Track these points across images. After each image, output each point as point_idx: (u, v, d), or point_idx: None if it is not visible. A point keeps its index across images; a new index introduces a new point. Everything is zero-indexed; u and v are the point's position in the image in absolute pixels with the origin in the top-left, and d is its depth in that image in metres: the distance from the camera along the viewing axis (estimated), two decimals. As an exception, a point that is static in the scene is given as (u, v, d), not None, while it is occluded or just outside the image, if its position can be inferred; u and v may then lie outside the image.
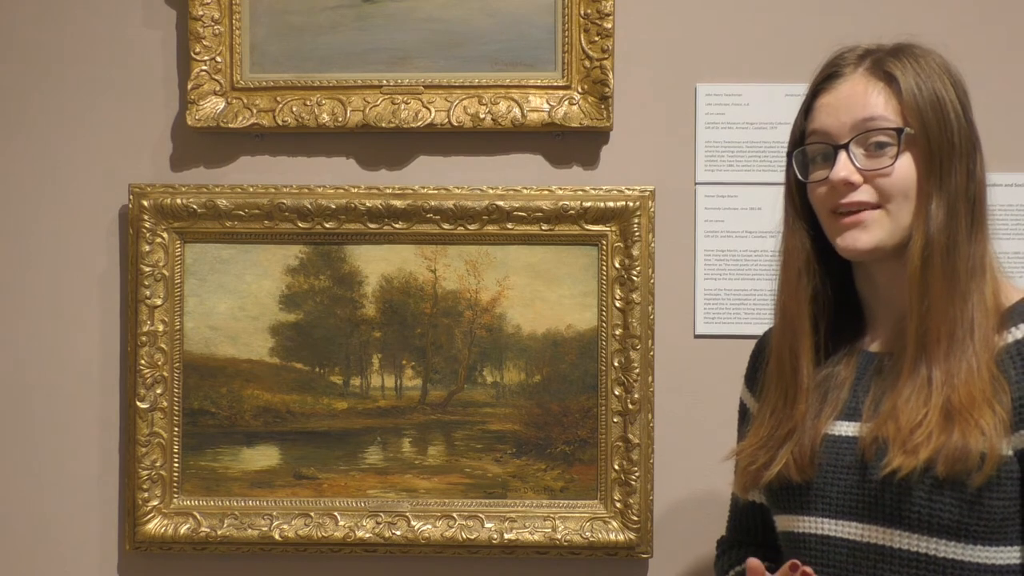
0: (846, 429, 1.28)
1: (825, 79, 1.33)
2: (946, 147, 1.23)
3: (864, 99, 1.27)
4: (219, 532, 2.00)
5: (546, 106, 1.98)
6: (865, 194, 1.26)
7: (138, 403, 2.00)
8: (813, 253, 1.33)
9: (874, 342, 1.33)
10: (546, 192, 1.99)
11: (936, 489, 1.18)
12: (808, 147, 1.32)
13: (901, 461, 1.18)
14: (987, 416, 1.17)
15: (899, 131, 1.24)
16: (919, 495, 1.19)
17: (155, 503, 2.01)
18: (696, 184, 2.02)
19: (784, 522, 1.34)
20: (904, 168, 1.25)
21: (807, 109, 1.35)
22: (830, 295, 1.33)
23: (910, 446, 1.18)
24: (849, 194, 1.27)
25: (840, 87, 1.30)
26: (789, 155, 1.35)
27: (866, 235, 1.26)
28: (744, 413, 1.53)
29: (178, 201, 2.00)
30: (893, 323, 1.30)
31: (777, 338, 1.36)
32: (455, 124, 1.98)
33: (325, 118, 1.99)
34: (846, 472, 1.26)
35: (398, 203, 1.99)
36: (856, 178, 1.26)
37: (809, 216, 1.33)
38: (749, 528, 1.53)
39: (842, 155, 1.27)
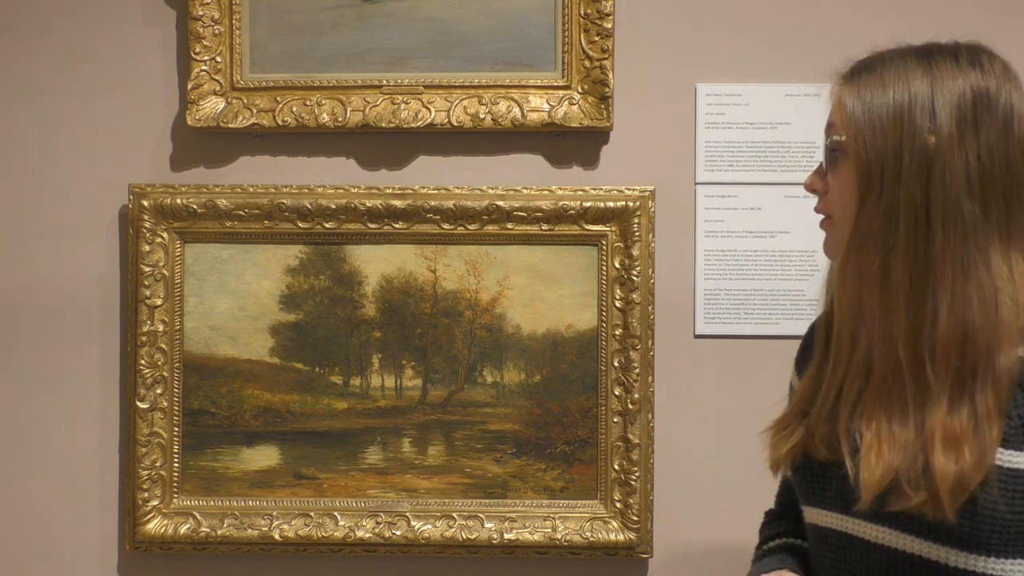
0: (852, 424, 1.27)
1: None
2: (889, 158, 1.20)
3: (832, 106, 1.28)
4: (219, 532, 2.00)
5: (546, 106, 1.98)
6: (820, 203, 1.30)
7: (138, 403, 2.00)
8: None
9: None
10: (546, 192, 1.99)
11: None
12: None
13: (864, 503, 1.18)
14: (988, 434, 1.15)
15: (832, 142, 1.25)
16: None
17: (155, 503, 2.01)
18: (696, 184, 2.02)
19: (808, 514, 1.35)
20: (841, 180, 1.25)
21: None
22: None
23: (910, 488, 1.16)
24: (817, 199, 1.30)
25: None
26: None
27: (827, 243, 1.30)
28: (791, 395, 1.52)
29: (178, 201, 2.00)
30: None
31: (839, 323, 1.34)
32: (455, 124, 1.98)
33: (325, 118, 1.99)
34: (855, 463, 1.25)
35: (398, 203, 1.99)
36: (817, 186, 1.29)
37: None
38: (787, 504, 1.53)
39: (819, 162, 1.30)
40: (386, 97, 2.00)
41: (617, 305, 1.98)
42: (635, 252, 1.97)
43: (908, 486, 1.15)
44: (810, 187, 1.30)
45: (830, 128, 1.26)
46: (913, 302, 1.18)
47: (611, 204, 1.97)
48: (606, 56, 1.96)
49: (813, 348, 1.35)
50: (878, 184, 1.20)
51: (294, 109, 2.00)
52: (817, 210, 1.30)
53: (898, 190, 1.19)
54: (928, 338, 1.17)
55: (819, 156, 1.32)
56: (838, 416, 1.27)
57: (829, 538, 1.30)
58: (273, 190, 2.00)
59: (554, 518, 1.99)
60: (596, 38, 1.96)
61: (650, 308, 1.97)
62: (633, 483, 1.97)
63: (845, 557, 1.27)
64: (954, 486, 1.14)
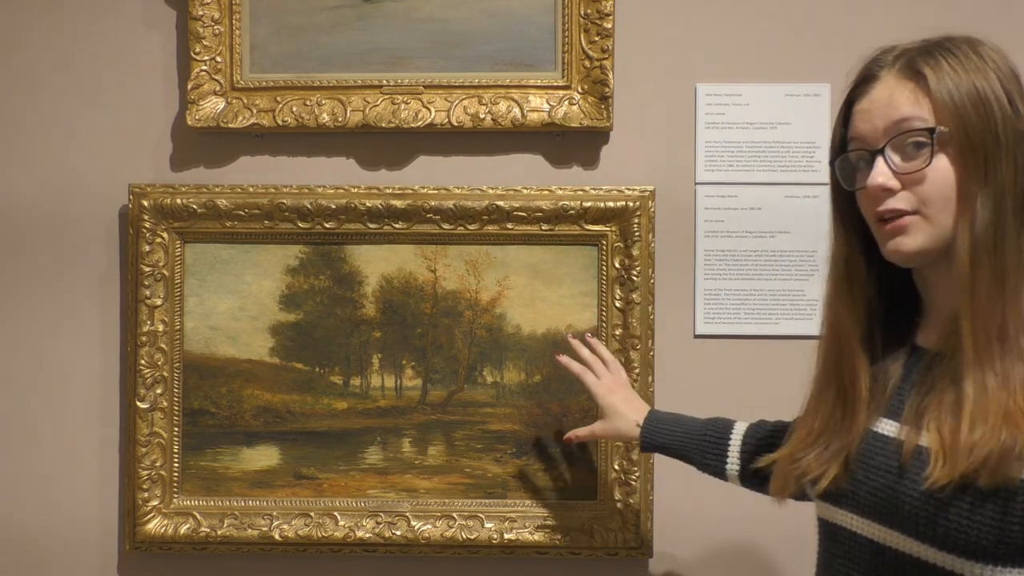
0: (887, 428, 1.26)
1: (860, 84, 1.30)
2: (989, 142, 1.19)
3: (897, 101, 1.24)
4: (219, 532, 2.00)
5: (546, 106, 1.98)
6: (903, 201, 1.24)
7: (138, 403, 2.00)
8: (863, 257, 1.31)
9: (926, 338, 1.31)
10: (546, 192, 1.99)
11: (977, 506, 1.15)
12: (850, 154, 1.30)
13: (943, 474, 1.16)
14: None
15: (931, 131, 1.21)
16: (957, 512, 1.16)
17: (155, 503, 2.01)
18: (696, 184, 2.02)
19: (819, 508, 1.35)
20: (940, 170, 1.21)
21: (845, 116, 1.32)
22: (883, 298, 1.32)
23: (954, 457, 1.15)
24: (887, 200, 1.24)
25: (874, 91, 1.26)
26: (831, 164, 1.34)
27: (909, 240, 1.24)
28: None
29: (178, 201, 2.00)
30: (945, 321, 1.26)
31: (826, 347, 1.33)
32: (455, 124, 1.98)
33: (325, 118, 1.99)
34: (881, 473, 1.24)
35: (398, 203, 1.99)
36: (893, 183, 1.23)
37: (859, 222, 1.32)
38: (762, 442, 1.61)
39: (879, 161, 1.24)
40: (386, 97, 2.00)
41: (617, 305, 1.98)
42: (635, 252, 1.97)
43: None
44: (887, 186, 1.24)
45: (906, 121, 1.23)
46: (1019, 293, 1.19)
47: (611, 204, 1.97)
48: (606, 56, 1.96)
49: None
50: (983, 173, 1.19)
51: (294, 109, 2.00)
52: (895, 210, 1.24)
53: (1002, 177, 1.19)
54: (1020, 317, 1.18)
55: (826, 153, 1.29)
56: (850, 430, 1.27)
57: (839, 536, 1.30)
58: (273, 190, 2.00)
59: (554, 518, 1.99)
60: (596, 38, 1.96)
61: (650, 308, 1.97)
62: (633, 483, 1.97)
63: (853, 556, 1.27)
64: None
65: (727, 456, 1.65)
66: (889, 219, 1.24)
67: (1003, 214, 1.19)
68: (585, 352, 1.84)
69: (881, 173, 1.24)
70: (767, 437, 1.63)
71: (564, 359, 1.83)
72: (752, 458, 1.61)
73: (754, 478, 1.63)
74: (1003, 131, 1.20)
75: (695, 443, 1.68)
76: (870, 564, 1.25)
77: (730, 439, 1.66)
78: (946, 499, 1.16)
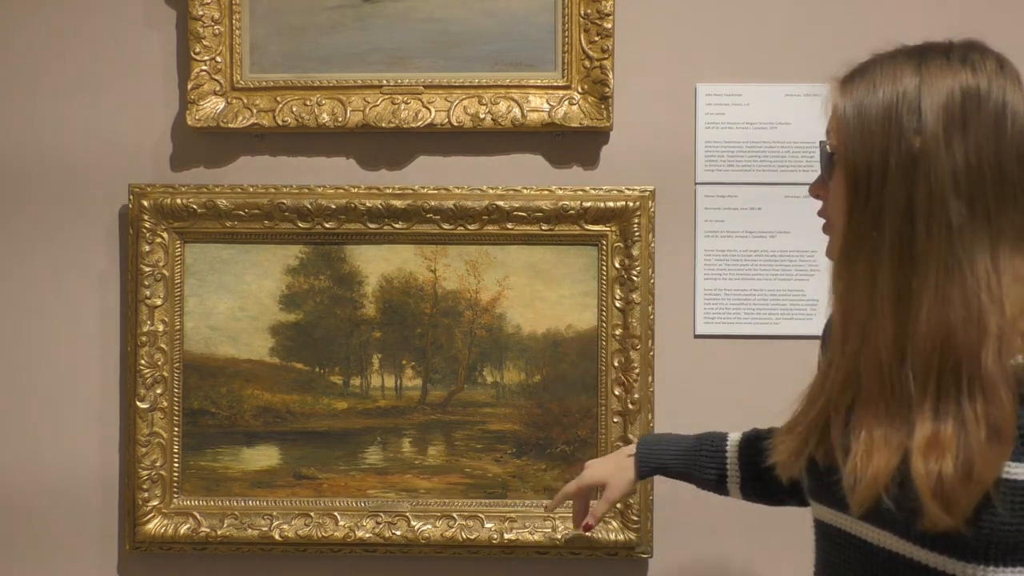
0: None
1: None
2: (876, 162, 1.18)
3: (830, 113, 1.27)
4: (219, 532, 2.00)
5: (546, 106, 1.98)
6: (821, 209, 1.29)
7: (138, 403, 2.00)
8: None
9: None
10: (546, 192, 1.99)
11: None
12: None
13: (855, 509, 1.18)
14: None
15: (826, 149, 1.25)
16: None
17: (155, 503, 2.01)
18: (696, 184, 2.02)
19: (815, 509, 1.35)
20: (835, 187, 1.24)
21: None
22: None
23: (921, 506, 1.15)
24: (819, 205, 1.30)
25: None
26: None
27: (828, 247, 1.29)
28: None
29: (178, 201, 2.00)
30: None
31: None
32: (455, 124, 1.98)
33: (325, 118, 1.99)
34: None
35: (398, 203, 1.99)
36: (818, 192, 1.29)
37: None
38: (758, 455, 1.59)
39: (822, 166, 1.29)
40: (386, 97, 2.00)
41: (617, 305, 1.98)
42: (635, 252, 1.97)
43: (898, 497, 1.14)
44: (812, 194, 1.30)
45: (827, 134, 1.26)
46: (898, 307, 1.17)
47: (611, 204, 1.97)
48: (606, 56, 1.96)
49: None
50: (865, 189, 1.18)
51: (294, 109, 2.00)
52: (819, 215, 1.30)
53: (884, 194, 1.17)
54: (910, 341, 1.16)
55: (819, 163, 1.31)
56: (831, 422, 1.27)
57: (834, 536, 1.30)
58: (273, 190, 2.00)
59: (554, 518, 1.99)
60: (596, 38, 1.96)
61: (650, 308, 1.97)
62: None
63: (848, 556, 1.28)
64: (934, 494, 1.12)
65: (726, 470, 1.64)
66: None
67: (876, 232, 1.17)
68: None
69: (812, 182, 1.30)
70: (766, 445, 1.62)
71: (549, 505, 1.84)
72: (754, 470, 1.61)
73: (755, 489, 1.62)
74: (892, 151, 1.17)
75: (691, 459, 1.66)
76: (865, 564, 1.25)
77: (726, 453, 1.64)
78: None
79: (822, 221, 1.31)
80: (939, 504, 1.12)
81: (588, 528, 1.74)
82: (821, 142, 1.27)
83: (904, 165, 1.17)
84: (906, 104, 1.18)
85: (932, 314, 1.15)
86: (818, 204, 1.32)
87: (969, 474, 1.12)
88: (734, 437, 1.66)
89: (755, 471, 1.61)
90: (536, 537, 1.98)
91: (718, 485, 1.65)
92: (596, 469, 1.72)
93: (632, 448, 1.70)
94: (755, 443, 1.64)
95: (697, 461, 1.66)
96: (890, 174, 1.17)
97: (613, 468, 1.70)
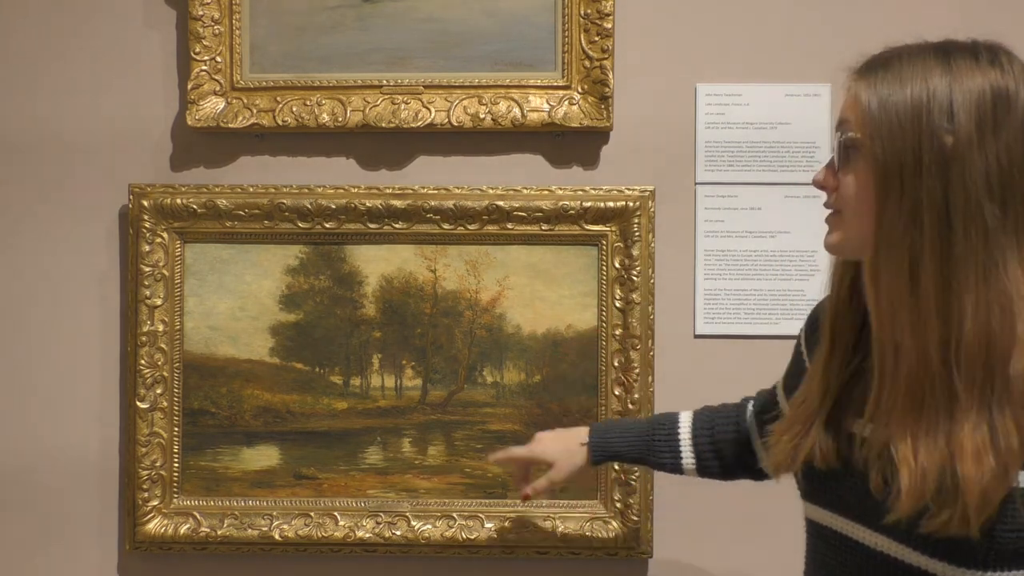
0: (860, 428, 1.27)
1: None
2: (908, 157, 1.17)
3: (845, 103, 1.25)
4: (219, 532, 2.00)
5: (546, 106, 1.98)
6: (832, 198, 1.27)
7: (138, 403, 2.00)
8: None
9: None
10: (546, 192, 1.99)
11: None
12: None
13: (903, 513, 1.16)
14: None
15: (847, 139, 1.23)
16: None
17: (155, 503, 2.01)
18: (696, 184, 2.02)
19: (807, 509, 1.35)
20: (856, 176, 1.22)
21: None
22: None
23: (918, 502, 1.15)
24: (826, 194, 1.28)
25: (848, 88, 1.29)
26: None
27: (830, 236, 1.27)
28: (798, 355, 1.50)
29: (178, 201, 2.00)
30: None
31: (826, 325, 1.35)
32: (455, 124, 1.98)
33: (325, 118, 1.99)
34: (858, 477, 1.23)
35: (398, 203, 1.99)
36: (828, 181, 1.27)
37: None
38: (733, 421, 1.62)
39: (829, 157, 1.27)
40: (386, 97, 2.00)
41: (617, 305, 1.98)
42: (635, 252, 1.97)
43: (937, 501, 1.13)
44: (820, 183, 1.27)
45: (843, 124, 1.24)
46: (942, 307, 1.15)
47: (611, 204, 1.97)
48: (606, 56, 1.96)
49: (819, 333, 1.33)
50: (898, 184, 1.17)
51: (294, 109, 2.00)
52: (827, 205, 1.28)
53: (920, 190, 1.15)
54: (956, 345, 1.14)
55: (826, 153, 1.29)
56: (841, 422, 1.26)
57: (829, 537, 1.30)
58: (273, 190, 2.00)
59: (554, 518, 1.99)
60: (596, 38, 1.96)
61: (650, 308, 1.97)
62: (633, 483, 1.97)
63: (845, 559, 1.27)
64: (980, 500, 1.11)
65: (680, 452, 1.66)
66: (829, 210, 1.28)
67: (916, 231, 1.16)
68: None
69: (820, 170, 1.27)
70: (718, 422, 1.65)
71: (493, 457, 1.83)
72: (710, 449, 1.64)
73: (709, 468, 1.65)
74: (924, 148, 1.16)
75: (645, 444, 1.68)
76: (859, 567, 1.25)
77: (679, 435, 1.67)
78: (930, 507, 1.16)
79: (821, 221, 1.30)
80: (980, 513, 1.11)
81: (526, 498, 1.77)
82: (840, 132, 1.24)
83: (938, 163, 1.15)
84: (937, 102, 1.17)
85: (976, 319, 1.14)
86: (814, 200, 1.31)
87: (1001, 483, 1.12)
88: (685, 417, 1.68)
89: (711, 452, 1.64)
90: (536, 537, 1.98)
91: (673, 467, 1.67)
92: (547, 447, 1.75)
93: (584, 436, 1.72)
94: (709, 421, 1.66)
95: (651, 446, 1.68)
96: (924, 172, 1.16)
97: (563, 451, 1.73)
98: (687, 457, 1.66)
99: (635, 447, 1.69)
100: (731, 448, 1.64)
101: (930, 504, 1.14)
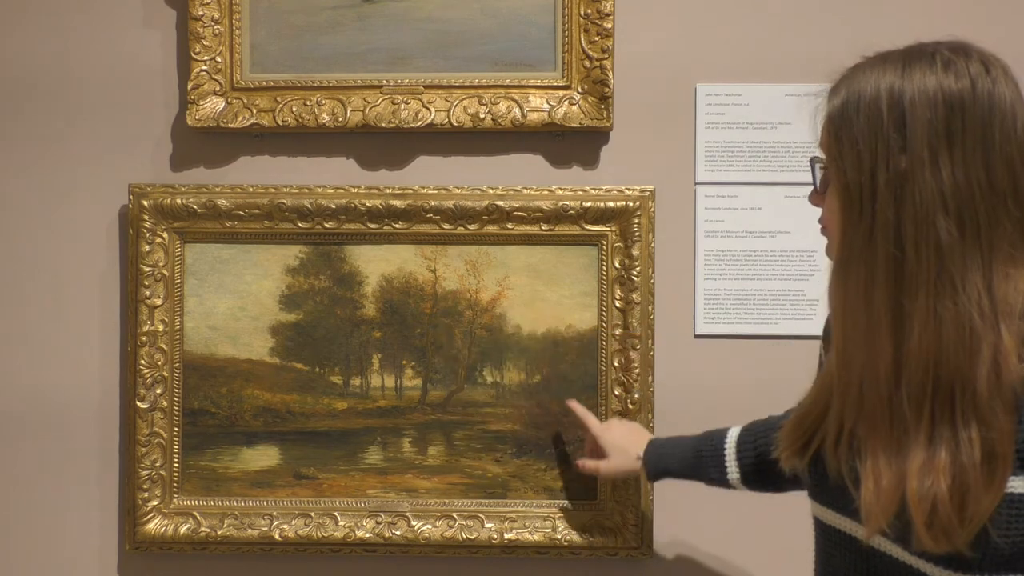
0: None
1: None
2: (866, 180, 1.17)
3: (821, 128, 1.27)
4: (219, 532, 2.00)
5: (546, 106, 1.98)
6: (821, 216, 1.29)
7: (138, 403, 2.00)
8: None
9: None
10: (546, 192, 1.99)
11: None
12: None
13: (872, 531, 1.18)
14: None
15: (814, 162, 1.26)
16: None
17: (155, 503, 2.01)
18: (696, 184, 2.02)
19: (814, 508, 1.35)
20: (829, 199, 1.24)
21: None
22: None
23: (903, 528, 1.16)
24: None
25: None
26: None
27: (828, 246, 1.29)
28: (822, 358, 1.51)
29: (178, 201, 2.00)
30: None
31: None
32: (455, 124, 1.98)
33: (325, 118, 1.99)
34: (854, 482, 1.23)
35: (398, 203, 1.99)
36: (814, 202, 1.30)
37: None
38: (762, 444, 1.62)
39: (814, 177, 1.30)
40: (386, 97, 2.00)
41: (617, 305, 1.98)
42: (635, 252, 1.97)
43: (903, 519, 1.14)
44: (812, 202, 1.31)
45: (819, 147, 1.26)
46: (893, 325, 1.15)
47: (611, 204, 1.97)
48: (606, 56, 1.96)
49: None
50: (858, 205, 1.18)
51: (294, 109, 2.00)
52: (820, 221, 1.30)
53: (875, 211, 1.16)
54: (904, 364, 1.15)
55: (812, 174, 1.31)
56: (836, 430, 1.26)
57: (834, 536, 1.30)
58: (273, 190, 2.00)
59: (554, 518, 1.99)
60: (596, 38, 1.96)
61: (650, 308, 1.97)
62: (633, 483, 1.97)
63: (852, 559, 1.27)
64: (928, 521, 1.11)
65: (725, 466, 1.68)
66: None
67: (870, 250, 1.16)
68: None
69: (810, 192, 1.30)
70: (763, 435, 1.64)
71: (573, 403, 1.93)
72: (753, 461, 1.63)
73: (757, 480, 1.65)
74: (880, 171, 1.16)
75: (694, 461, 1.71)
76: (868, 567, 1.25)
77: (724, 449, 1.68)
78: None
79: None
80: (932, 532, 1.12)
81: (578, 467, 1.88)
82: (812, 157, 1.27)
83: (892, 184, 1.15)
84: (891, 121, 1.16)
85: (923, 337, 1.14)
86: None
87: (964, 501, 1.11)
88: (733, 433, 1.69)
89: (754, 464, 1.65)
90: (536, 537, 1.98)
91: (721, 482, 1.69)
92: (611, 439, 1.83)
93: (641, 449, 1.76)
94: (754, 435, 1.66)
95: (699, 463, 1.70)
96: (879, 192, 1.16)
97: (621, 450, 1.80)
98: (731, 471, 1.67)
99: (685, 464, 1.72)
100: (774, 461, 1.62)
101: (895, 525, 1.15)
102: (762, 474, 1.64)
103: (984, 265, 1.14)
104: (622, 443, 1.81)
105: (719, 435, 1.70)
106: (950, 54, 1.18)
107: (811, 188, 1.30)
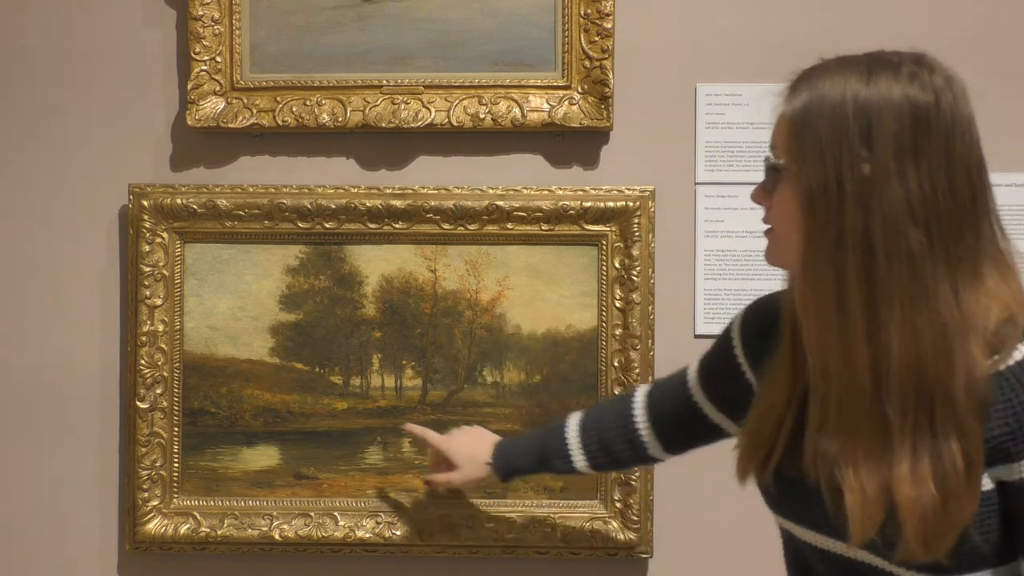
0: (814, 442, 1.25)
1: None
2: (831, 185, 1.16)
3: (775, 125, 1.24)
4: (219, 532, 2.00)
5: (546, 106, 1.98)
6: (766, 216, 1.28)
7: (138, 403, 2.00)
8: None
9: None
10: (546, 192, 1.99)
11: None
12: None
13: (858, 543, 1.18)
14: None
15: (772, 163, 1.23)
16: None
17: (155, 503, 2.01)
18: (696, 184, 2.02)
19: (778, 519, 1.35)
20: (781, 199, 1.22)
21: None
22: None
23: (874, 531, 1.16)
24: (764, 211, 1.28)
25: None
26: None
27: (768, 250, 1.28)
28: (730, 360, 1.48)
29: (178, 201, 2.00)
30: None
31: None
32: (455, 124, 1.98)
33: (325, 118, 1.99)
34: (833, 492, 1.22)
35: (398, 203, 1.99)
36: (762, 200, 1.27)
37: None
38: (663, 403, 1.64)
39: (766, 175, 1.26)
40: (386, 97, 2.00)
41: (617, 305, 1.98)
42: (635, 252, 1.97)
43: (890, 529, 1.14)
44: (755, 200, 1.28)
45: (772, 147, 1.23)
46: (870, 333, 1.15)
47: (611, 204, 1.97)
48: (606, 56, 1.96)
49: (773, 336, 1.32)
50: (823, 211, 1.16)
51: (294, 109, 2.00)
52: (764, 221, 1.28)
53: (843, 218, 1.15)
54: (885, 371, 1.14)
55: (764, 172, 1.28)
56: (804, 433, 1.24)
57: (803, 547, 1.30)
58: (273, 190, 2.00)
59: (554, 518, 1.99)
60: (596, 38, 1.96)
61: (650, 308, 1.97)
62: (633, 483, 1.97)
63: (826, 567, 1.28)
64: (920, 527, 1.12)
65: (570, 455, 1.70)
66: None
67: (840, 257, 1.16)
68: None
69: (755, 189, 1.28)
70: (609, 421, 1.68)
71: (409, 425, 1.93)
72: (598, 446, 1.67)
73: (601, 464, 1.70)
74: (845, 177, 1.15)
75: (540, 454, 1.73)
76: (840, 569, 1.25)
77: (566, 439, 1.70)
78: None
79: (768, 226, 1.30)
80: (920, 541, 1.12)
81: (428, 484, 1.87)
82: (766, 156, 1.24)
83: (858, 192, 1.14)
84: (857, 127, 1.15)
85: (903, 347, 1.14)
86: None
87: (947, 510, 1.12)
88: (572, 421, 1.72)
89: (598, 448, 1.68)
90: (536, 537, 1.98)
91: (568, 471, 1.72)
92: (456, 449, 1.81)
93: (489, 454, 1.77)
94: (595, 420, 1.70)
95: (545, 455, 1.72)
96: (846, 200, 1.15)
97: (469, 458, 1.79)
98: (577, 459, 1.70)
99: (534, 458, 1.74)
100: (621, 444, 1.66)
101: (888, 533, 1.14)
102: (607, 458, 1.68)
103: (951, 276, 1.15)
104: (469, 451, 1.80)
105: (558, 425, 1.73)
106: (914, 66, 1.17)
107: (757, 186, 1.27)
